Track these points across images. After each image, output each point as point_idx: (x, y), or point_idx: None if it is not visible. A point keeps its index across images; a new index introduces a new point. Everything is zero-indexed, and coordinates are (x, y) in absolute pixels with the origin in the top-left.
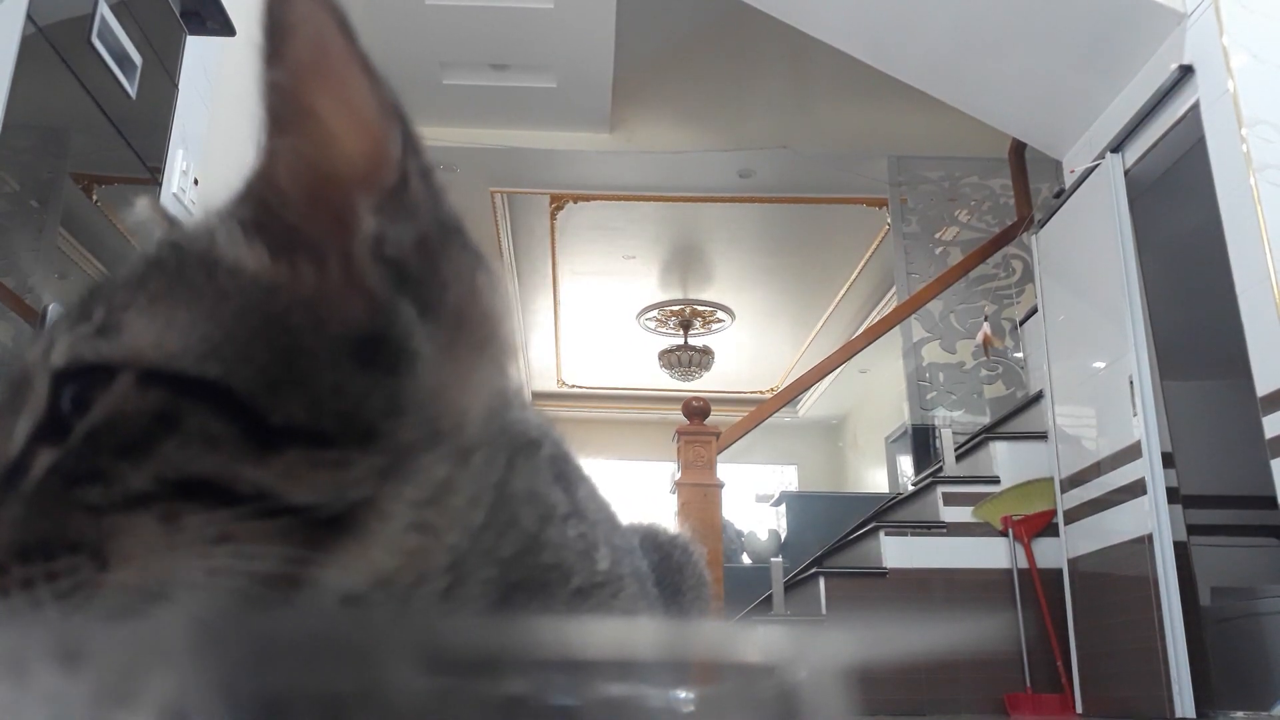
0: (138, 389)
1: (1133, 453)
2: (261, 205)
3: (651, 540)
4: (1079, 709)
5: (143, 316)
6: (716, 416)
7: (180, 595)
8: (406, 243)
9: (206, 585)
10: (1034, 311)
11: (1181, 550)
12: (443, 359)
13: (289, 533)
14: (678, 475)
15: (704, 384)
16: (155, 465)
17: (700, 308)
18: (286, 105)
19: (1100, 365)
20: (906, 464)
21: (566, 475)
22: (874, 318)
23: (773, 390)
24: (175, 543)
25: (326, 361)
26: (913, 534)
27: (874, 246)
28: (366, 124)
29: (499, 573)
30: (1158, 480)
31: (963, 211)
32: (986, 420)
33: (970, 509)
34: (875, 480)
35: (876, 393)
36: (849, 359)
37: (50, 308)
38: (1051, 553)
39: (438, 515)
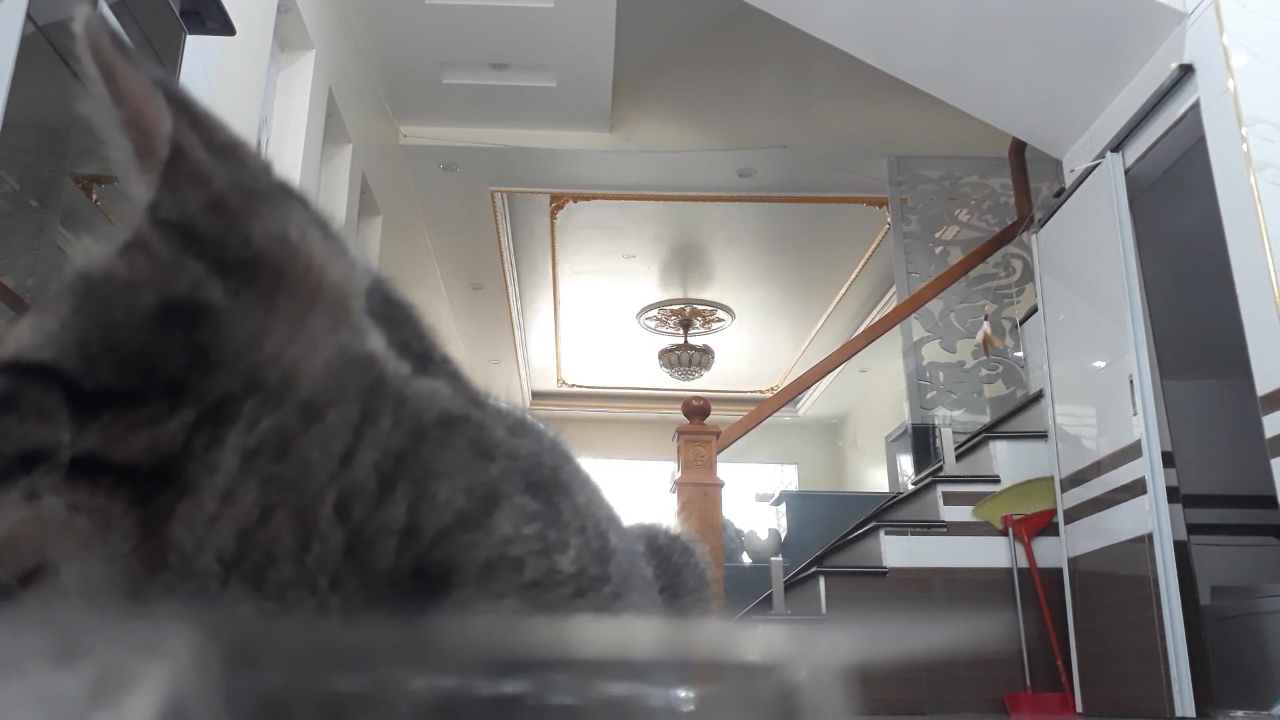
0: None
1: (1133, 452)
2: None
3: (651, 541)
4: (1079, 708)
5: (18, 325)
6: (716, 416)
7: (58, 573)
8: (192, 206)
9: (80, 558)
10: (1034, 311)
11: (1181, 550)
12: (253, 311)
13: (120, 491)
14: (678, 475)
15: (704, 383)
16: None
17: (700, 307)
18: (134, 131)
19: (1100, 364)
20: (906, 463)
21: (539, 469)
22: (874, 317)
23: (773, 389)
24: (38, 515)
25: (132, 327)
26: (913, 533)
27: (874, 246)
28: (142, 109)
29: (417, 545)
30: (1158, 480)
31: (963, 211)
32: (986, 419)
33: (970, 508)
34: (875, 479)
35: (876, 392)
36: (849, 358)
37: None
38: (1051, 552)
39: (288, 470)
